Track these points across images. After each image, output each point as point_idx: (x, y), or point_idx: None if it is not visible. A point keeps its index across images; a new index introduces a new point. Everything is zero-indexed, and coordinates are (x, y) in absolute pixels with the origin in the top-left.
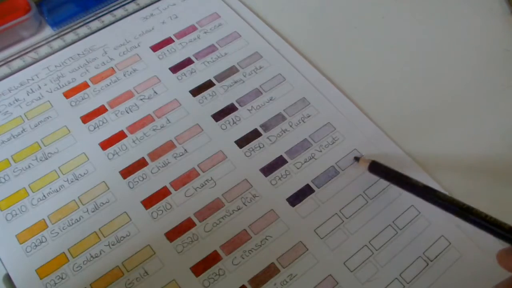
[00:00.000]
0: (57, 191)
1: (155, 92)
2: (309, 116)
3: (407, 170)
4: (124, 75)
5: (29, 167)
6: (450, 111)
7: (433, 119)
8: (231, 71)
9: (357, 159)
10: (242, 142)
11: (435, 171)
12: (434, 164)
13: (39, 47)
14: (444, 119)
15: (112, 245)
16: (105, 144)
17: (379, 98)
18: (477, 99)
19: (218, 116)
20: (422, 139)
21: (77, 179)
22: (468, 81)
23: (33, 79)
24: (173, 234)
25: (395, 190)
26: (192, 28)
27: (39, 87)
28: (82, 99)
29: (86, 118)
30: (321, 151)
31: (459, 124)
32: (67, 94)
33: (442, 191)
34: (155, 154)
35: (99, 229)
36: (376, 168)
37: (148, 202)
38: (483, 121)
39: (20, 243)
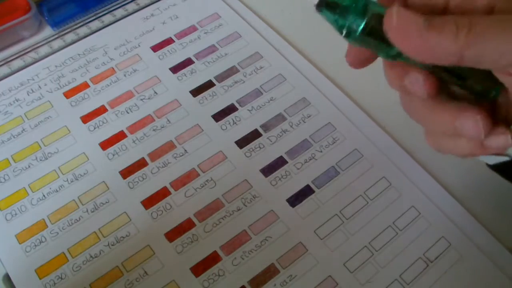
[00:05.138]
0: (57, 191)
1: (155, 92)
2: (309, 116)
3: (408, 169)
4: (125, 75)
5: (29, 167)
6: None
7: None
8: (232, 71)
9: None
10: (242, 142)
11: (435, 171)
12: (435, 163)
13: (39, 47)
14: None
15: (112, 245)
16: (105, 144)
17: (380, 97)
18: None
19: (218, 116)
20: (423, 139)
21: (77, 179)
22: None
23: (33, 79)
24: (173, 235)
25: (395, 190)
26: (193, 29)
27: (39, 87)
28: (82, 99)
29: (86, 118)
30: (321, 152)
31: None
32: (67, 94)
33: (443, 190)
34: (155, 154)
35: (99, 229)
36: None
37: (148, 202)
38: None
39: (20, 243)
